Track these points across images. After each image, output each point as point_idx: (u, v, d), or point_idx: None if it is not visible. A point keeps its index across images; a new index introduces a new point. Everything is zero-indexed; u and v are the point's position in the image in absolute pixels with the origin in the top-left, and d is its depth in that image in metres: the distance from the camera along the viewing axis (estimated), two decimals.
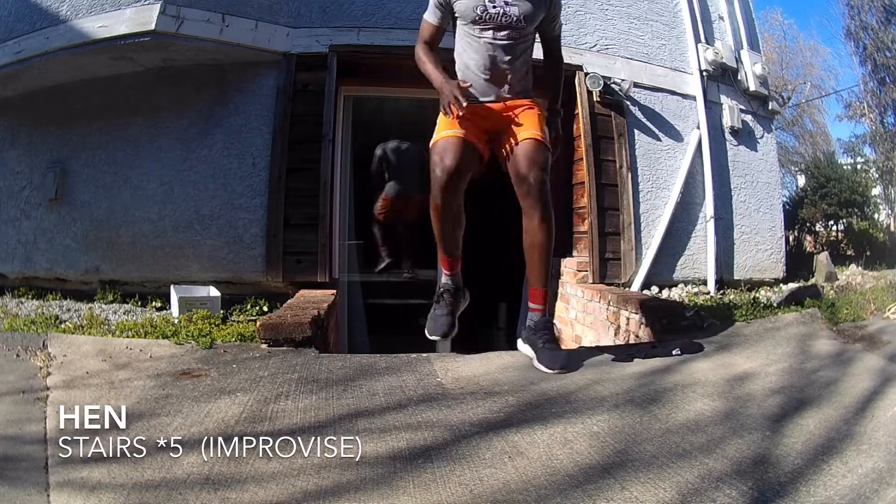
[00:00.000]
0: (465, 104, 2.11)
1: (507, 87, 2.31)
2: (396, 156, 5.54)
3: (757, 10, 5.96)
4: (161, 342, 2.72)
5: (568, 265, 4.59)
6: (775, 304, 3.80)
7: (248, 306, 3.79)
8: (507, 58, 2.26)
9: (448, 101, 2.12)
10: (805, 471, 1.52)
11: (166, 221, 4.10)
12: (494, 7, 2.21)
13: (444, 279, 2.58)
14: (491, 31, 2.23)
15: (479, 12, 2.21)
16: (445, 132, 2.22)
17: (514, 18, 2.23)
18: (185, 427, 1.77)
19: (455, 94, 2.11)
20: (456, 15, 2.28)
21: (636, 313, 3.37)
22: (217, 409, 1.90)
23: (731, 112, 4.96)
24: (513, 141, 2.27)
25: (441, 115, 2.28)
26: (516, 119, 2.31)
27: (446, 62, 2.36)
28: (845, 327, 3.15)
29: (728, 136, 5.00)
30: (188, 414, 1.87)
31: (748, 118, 5.14)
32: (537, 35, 2.42)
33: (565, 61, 4.00)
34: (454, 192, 2.21)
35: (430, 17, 2.34)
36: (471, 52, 2.28)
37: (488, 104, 2.30)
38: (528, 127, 2.29)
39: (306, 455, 1.59)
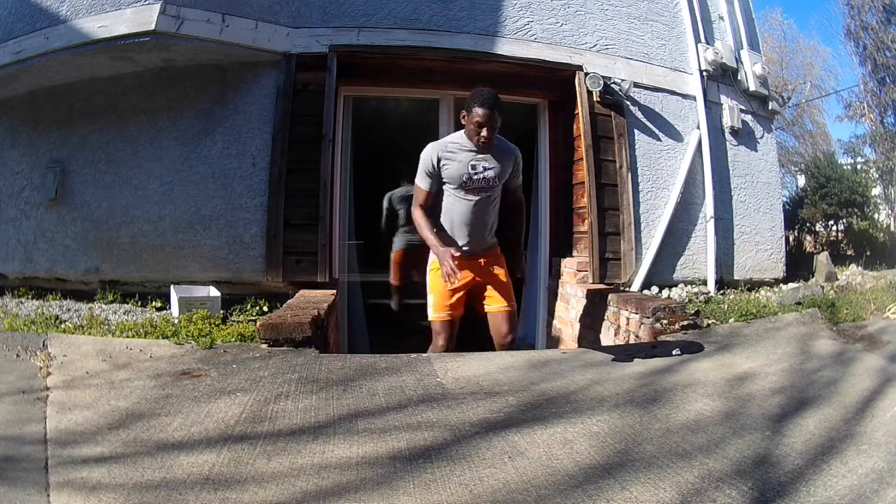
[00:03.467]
0: (458, 275, 2.53)
1: (485, 236, 2.80)
2: (404, 204, 4.95)
3: (757, 10, 5.96)
4: (161, 342, 2.72)
5: (568, 265, 4.59)
6: (775, 304, 3.80)
7: (248, 306, 3.78)
8: (486, 211, 2.75)
9: (446, 271, 2.51)
10: (805, 471, 1.52)
11: (166, 221, 4.10)
12: (476, 174, 2.66)
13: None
14: (474, 193, 2.69)
15: (464, 179, 2.67)
16: (438, 315, 2.78)
17: (491, 180, 2.69)
18: (185, 427, 1.77)
19: (450, 264, 2.49)
20: (444, 180, 2.70)
21: (636, 313, 3.37)
22: (217, 409, 1.90)
23: (731, 112, 4.96)
24: (493, 305, 2.81)
25: (430, 279, 2.81)
26: (494, 280, 2.81)
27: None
28: (845, 327, 3.16)
29: (728, 136, 5.00)
30: (188, 414, 1.87)
31: (748, 118, 5.14)
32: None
33: (565, 61, 4.14)
34: (451, 349, 2.79)
35: (422, 183, 2.73)
36: (457, 208, 2.72)
37: (465, 261, 2.71)
38: (504, 296, 2.81)
39: (306, 455, 1.59)
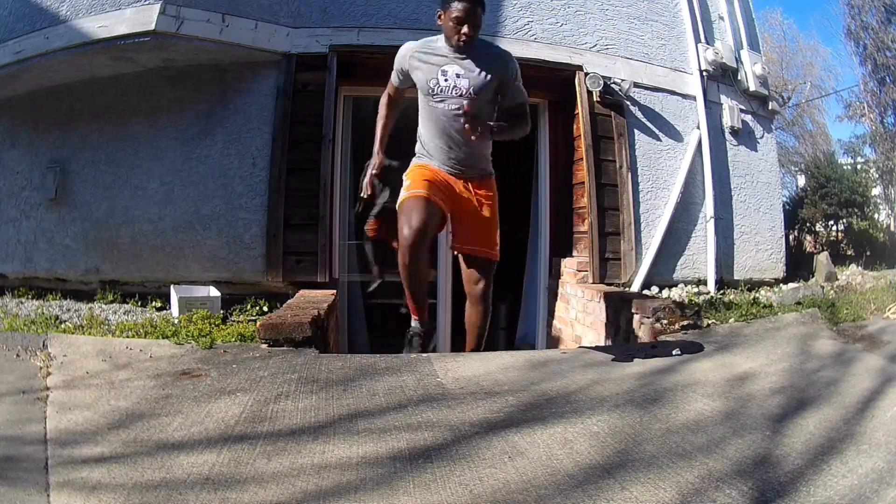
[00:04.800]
0: (369, 192, 2.47)
1: (468, 160, 2.48)
2: (385, 174, 5.46)
3: (757, 10, 5.97)
4: (161, 342, 2.72)
5: (568, 265, 4.59)
6: (775, 304, 3.80)
7: (248, 306, 3.78)
8: (459, 128, 2.36)
9: (365, 179, 2.46)
10: (805, 471, 1.51)
11: (166, 221, 4.10)
12: (446, 80, 2.35)
13: (413, 323, 2.67)
14: (443, 103, 2.37)
15: (431, 85, 2.38)
16: (411, 191, 2.37)
17: (465, 90, 2.35)
18: (185, 427, 1.77)
19: (368, 177, 2.45)
20: (415, 84, 2.45)
21: (636, 313, 3.37)
22: (217, 409, 1.90)
23: (731, 112, 4.96)
24: (469, 244, 2.53)
25: (407, 172, 2.51)
26: (476, 213, 2.50)
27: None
28: (845, 327, 3.15)
29: (728, 136, 5.00)
30: (188, 414, 1.87)
31: (748, 118, 5.14)
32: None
33: (565, 61, 4.07)
34: (420, 251, 2.35)
35: (394, 78, 2.55)
36: (428, 121, 2.45)
37: (449, 175, 2.46)
38: (488, 243, 2.53)
39: (306, 455, 1.59)
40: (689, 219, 4.73)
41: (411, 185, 2.40)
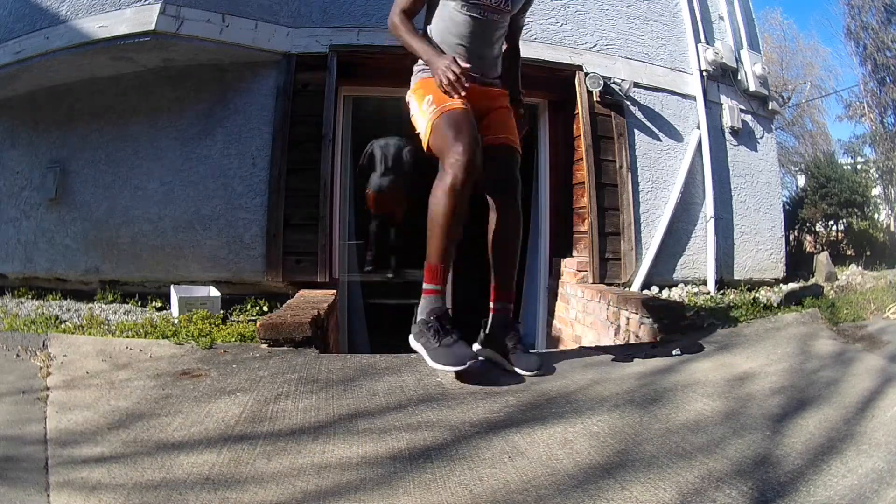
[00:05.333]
0: (466, 84, 1.99)
1: (486, 68, 2.29)
2: (382, 151, 5.91)
3: (757, 10, 5.97)
4: (161, 342, 2.72)
5: (568, 265, 4.59)
6: (775, 304, 3.80)
7: (248, 306, 3.79)
8: (491, 38, 2.25)
9: (445, 78, 1.99)
10: (805, 471, 1.51)
11: (166, 221, 4.10)
12: None
13: (432, 301, 2.17)
14: (479, 10, 2.21)
15: None
16: (450, 103, 2.06)
17: (502, 1, 2.23)
18: (185, 427, 1.77)
19: (453, 70, 1.98)
20: None
21: (636, 313, 3.37)
22: (217, 409, 1.90)
23: (731, 112, 4.96)
24: (493, 141, 2.25)
25: (421, 88, 2.20)
26: (496, 113, 2.29)
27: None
28: (845, 327, 3.15)
29: (728, 136, 5.00)
30: (188, 414, 1.87)
31: (748, 118, 5.14)
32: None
33: (565, 61, 4.07)
34: (472, 177, 2.00)
35: None
36: (454, 27, 2.21)
37: (472, 83, 2.13)
38: (508, 130, 2.29)
39: (306, 455, 1.59)
40: (689, 219, 4.74)
41: (440, 99, 2.06)
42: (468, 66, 2.05)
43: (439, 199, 2.01)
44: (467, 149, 1.96)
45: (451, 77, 1.98)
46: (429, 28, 2.28)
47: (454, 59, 2.04)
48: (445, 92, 2.04)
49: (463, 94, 2.02)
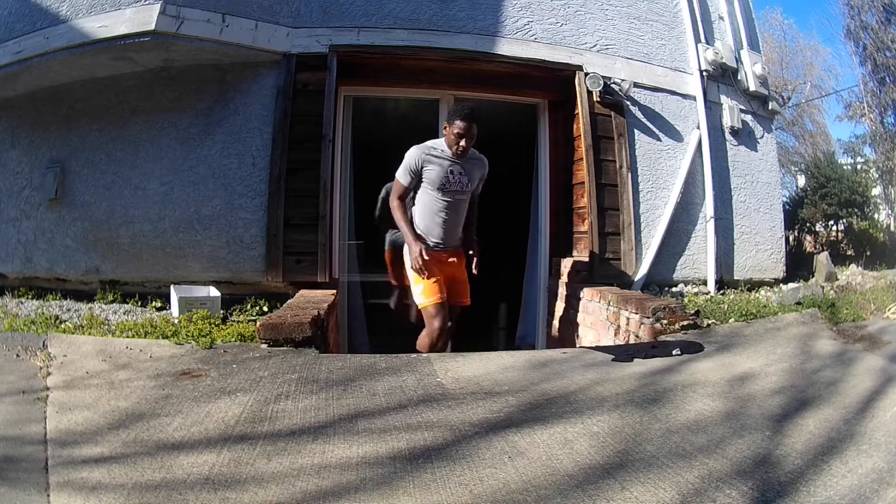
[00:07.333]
0: (426, 261, 2.82)
1: (455, 235, 3.05)
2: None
3: (757, 10, 5.97)
4: (161, 342, 2.72)
5: (568, 265, 4.59)
6: (775, 304, 3.80)
7: (248, 306, 3.78)
8: (458, 211, 3.04)
9: (416, 263, 2.82)
10: (805, 471, 1.52)
11: (166, 221, 4.10)
12: (454, 178, 2.96)
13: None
14: (451, 195, 2.97)
15: (442, 182, 2.94)
16: (432, 299, 2.90)
17: (465, 185, 3.00)
18: (185, 427, 1.77)
19: (418, 261, 2.80)
20: (423, 180, 2.97)
21: (636, 313, 3.37)
22: (217, 409, 1.90)
23: (731, 112, 4.96)
24: (453, 303, 3.05)
25: (414, 274, 2.93)
26: (455, 283, 3.06)
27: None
28: (845, 327, 3.16)
29: (728, 136, 5.00)
30: (188, 414, 1.87)
31: (748, 118, 5.14)
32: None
33: (565, 61, 4.22)
34: (444, 331, 2.90)
35: (403, 179, 2.98)
36: (434, 207, 2.99)
37: (443, 252, 3.00)
38: (463, 295, 3.10)
39: (306, 455, 1.59)
40: (689, 219, 4.73)
41: (428, 292, 2.91)
42: (428, 257, 2.84)
43: (425, 341, 2.90)
44: (441, 324, 2.88)
45: (417, 266, 2.81)
46: (415, 202, 3.04)
47: (421, 250, 2.82)
48: (415, 270, 2.86)
49: (427, 274, 2.85)
